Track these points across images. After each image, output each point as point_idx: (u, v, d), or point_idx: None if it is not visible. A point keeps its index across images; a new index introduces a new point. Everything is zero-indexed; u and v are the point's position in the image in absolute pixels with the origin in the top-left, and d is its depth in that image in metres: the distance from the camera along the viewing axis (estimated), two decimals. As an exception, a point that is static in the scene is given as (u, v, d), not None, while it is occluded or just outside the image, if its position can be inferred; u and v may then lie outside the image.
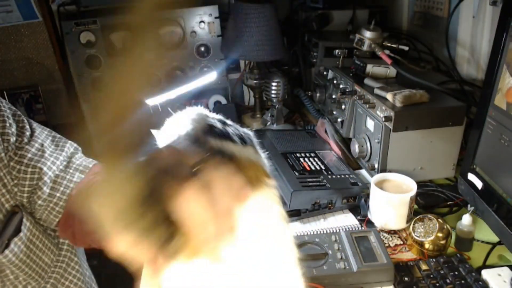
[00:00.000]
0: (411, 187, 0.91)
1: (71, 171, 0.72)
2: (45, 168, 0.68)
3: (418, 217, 0.86)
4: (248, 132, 0.46)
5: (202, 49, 1.51)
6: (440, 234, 0.81)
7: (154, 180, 0.32)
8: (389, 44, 1.13)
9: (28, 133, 0.69)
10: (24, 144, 0.68)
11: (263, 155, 0.45)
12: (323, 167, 1.06)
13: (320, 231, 0.91)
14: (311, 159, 1.11)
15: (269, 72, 1.46)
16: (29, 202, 0.69)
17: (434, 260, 0.79)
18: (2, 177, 0.66)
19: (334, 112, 1.25)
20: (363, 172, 1.12)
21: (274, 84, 1.38)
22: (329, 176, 1.01)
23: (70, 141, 0.75)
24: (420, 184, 0.92)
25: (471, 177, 0.83)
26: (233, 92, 1.63)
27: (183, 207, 0.33)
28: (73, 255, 0.82)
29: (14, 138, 0.67)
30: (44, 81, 1.63)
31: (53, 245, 0.78)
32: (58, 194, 0.70)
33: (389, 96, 0.96)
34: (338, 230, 0.91)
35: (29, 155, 0.67)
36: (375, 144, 1.01)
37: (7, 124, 0.67)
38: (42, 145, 0.70)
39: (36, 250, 0.73)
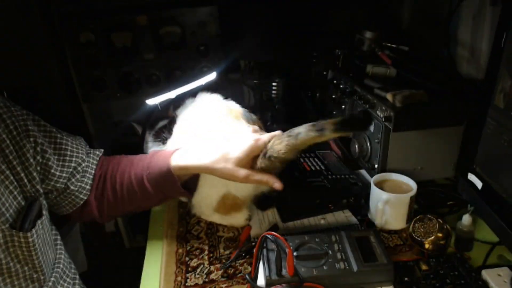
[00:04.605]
0: (411, 187, 0.91)
1: (90, 157, 0.86)
2: (84, 157, 0.83)
3: (418, 217, 0.86)
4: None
5: (202, 49, 1.51)
6: (440, 234, 0.81)
7: None
8: (389, 44, 1.13)
9: (55, 130, 0.80)
10: (60, 139, 0.80)
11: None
12: (323, 167, 1.06)
13: (320, 231, 0.91)
14: (311, 159, 1.11)
15: (269, 72, 1.46)
16: (66, 187, 0.80)
17: (434, 260, 0.79)
18: (32, 164, 0.72)
19: (334, 112, 1.25)
20: (363, 172, 1.12)
21: (274, 84, 1.38)
22: (329, 176, 1.01)
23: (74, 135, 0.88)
24: (420, 184, 0.92)
25: (471, 177, 0.83)
26: (232, 92, 1.62)
27: None
28: (68, 258, 0.84)
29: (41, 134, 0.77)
30: (44, 81, 1.63)
31: (53, 243, 0.80)
32: (87, 176, 0.83)
33: (389, 96, 0.96)
34: (338, 230, 0.91)
35: (70, 148, 0.81)
36: (375, 144, 1.01)
37: (41, 123, 0.77)
38: (72, 139, 0.83)
39: (45, 243, 0.76)
